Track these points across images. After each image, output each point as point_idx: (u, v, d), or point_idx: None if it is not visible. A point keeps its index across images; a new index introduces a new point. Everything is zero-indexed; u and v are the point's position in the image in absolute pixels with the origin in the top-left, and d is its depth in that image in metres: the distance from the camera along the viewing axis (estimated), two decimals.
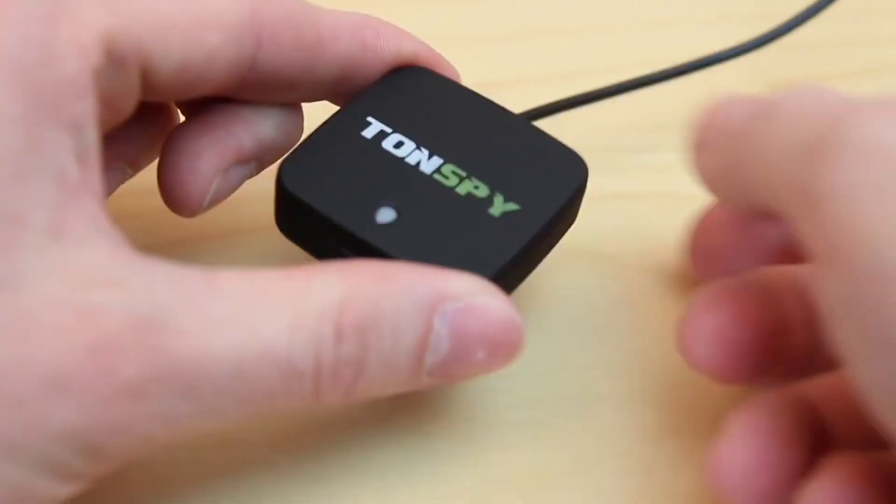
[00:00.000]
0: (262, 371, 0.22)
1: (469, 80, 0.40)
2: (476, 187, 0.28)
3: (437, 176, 0.28)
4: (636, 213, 0.34)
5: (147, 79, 0.25)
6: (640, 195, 0.35)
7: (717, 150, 0.27)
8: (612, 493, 0.27)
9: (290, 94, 0.29)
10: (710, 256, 0.30)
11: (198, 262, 0.32)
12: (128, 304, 0.22)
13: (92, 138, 0.23)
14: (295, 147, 0.28)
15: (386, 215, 0.27)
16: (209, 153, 0.28)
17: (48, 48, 0.22)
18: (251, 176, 0.29)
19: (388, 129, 0.28)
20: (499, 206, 0.28)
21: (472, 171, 0.28)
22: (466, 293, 0.25)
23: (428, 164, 0.28)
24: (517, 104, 0.39)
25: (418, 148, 0.28)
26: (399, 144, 0.28)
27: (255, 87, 0.28)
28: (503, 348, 0.25)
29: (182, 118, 0.30)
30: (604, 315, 0.31)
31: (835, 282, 0.21)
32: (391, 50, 0.29)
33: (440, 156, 0.28)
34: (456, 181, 0.28)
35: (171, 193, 0.28)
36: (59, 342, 0.21)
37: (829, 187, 0.21)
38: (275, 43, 0.27)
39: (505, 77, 0.41)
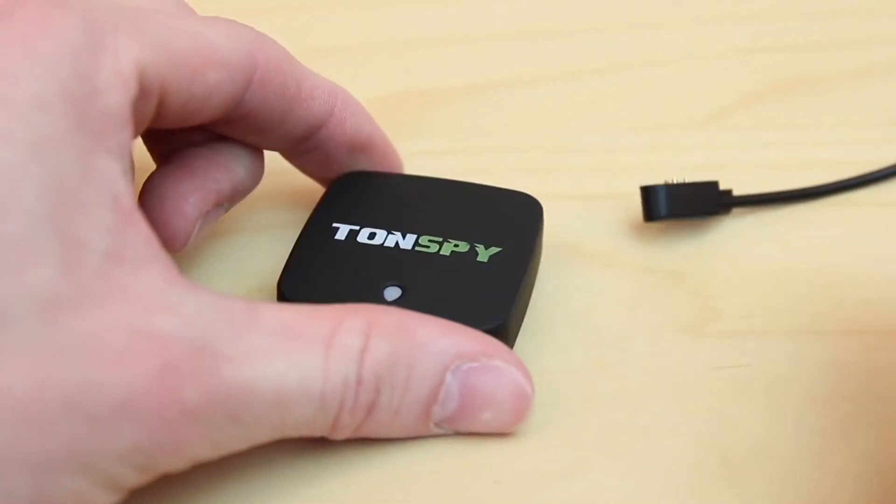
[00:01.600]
0: (298, 403, 0.24)
1: (469, 79, 0.41)
2: (456, 246, 0.30)
3: (418, 248, 0.30)
4: (635, 213, 0.34)
5: (159, 109, 0.26)
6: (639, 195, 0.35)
7: None
8: (612, 493, 0.27)
9: (258, 137, 0.30)
10: None
11: (196, 261, 0.33)
12: (186, 329, 0.23)
13: (131, 164, 0.24)
14: (284, 266, 0.30)
15: (393, 293, 0.29)
16: (194, 197, 0.29)
17: (95, 80, 0.23)
18: (222, 215, 0.31)
19: (356, 227, 0.31)
20: (484, 253, 0.30)
21: (446, 236, 0.30)
22: (482, 354, 0.26)
23: (405, 242, 0.30)
24: (517, 104, 0.39)
25: (390, 233, 0.30)
26: (372, 236, 0.30)
27: (232, 125, 0.29)
28: (510, 414, 0.27)
29: None
30: (604, 315, 0.31)
31: None
32: (352, 124, 0.31)
33: (412, 233, 0.30)
34: (437, 247, 0.30)
35: (158, 231, 0.29)
36: (127, 365, 0.22)
37: None
38: (262, 87, 0.28)
39: (505, 77, 0.41)
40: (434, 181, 0.33)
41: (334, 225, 0.31)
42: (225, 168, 0.30)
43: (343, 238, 0.30)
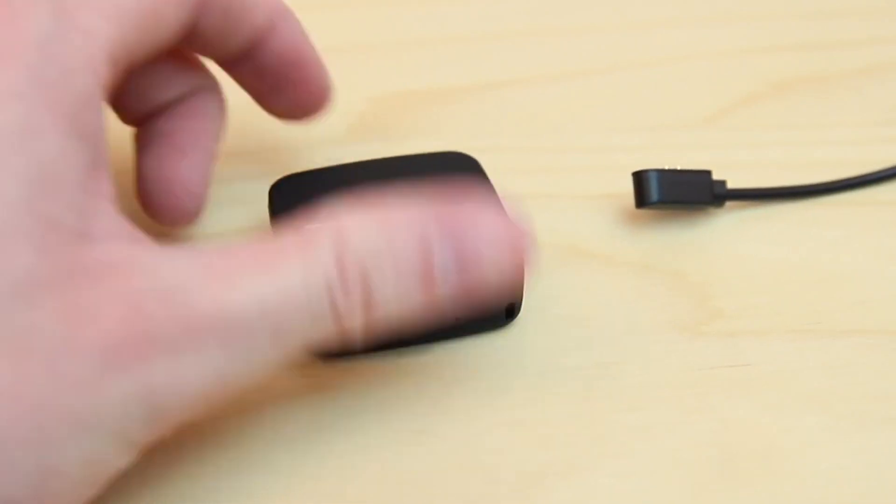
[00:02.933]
0: (285, 313, 0.24)
1: (469, 79, 0.41)
2: None
3: None
4: (634, 213, 0.34)
5: (126, 67, 0.27)
6: None
7: None
8: (612, 493, 0.27)
9: (200, 50, 0.31)
10: None
11: None
12: (156, 284, 0.23)
13: (103, 147, 0.25)
14: None
15: None
16: (196, 175, 0.31)
17: (66, 63, 0.24)
18: None
19: None
20: None
21: None
22: (452, 205, 0.26)
23: None
24: (517, 104, 0.39)
25: None
26: None
27: (183, 44, 0.30)
28: (509, 243, 0.26)
29: None
30: (603, 315, 0.31)
31: None
32: (290, 38, 0.31)
33: None
34: None
35: (171, 214, 0.31)
36: (101, 321, 0.22)
37: None
38: (209, 7, 0.29)
39: (505, 77, 0.41)
40: (366, 163, 0.33)
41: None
42: (204, 129, 0.31)
43: None
